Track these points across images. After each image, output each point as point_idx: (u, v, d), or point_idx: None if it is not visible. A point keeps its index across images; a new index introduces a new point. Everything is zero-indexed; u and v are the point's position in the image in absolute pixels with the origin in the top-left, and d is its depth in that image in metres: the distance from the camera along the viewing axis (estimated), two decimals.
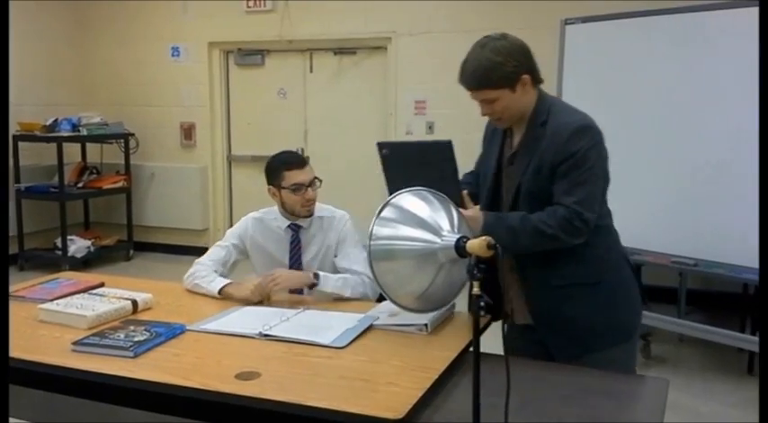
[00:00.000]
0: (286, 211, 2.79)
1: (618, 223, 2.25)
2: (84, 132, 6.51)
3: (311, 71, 6.68)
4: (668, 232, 3.82)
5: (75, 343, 2.06)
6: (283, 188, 2.73)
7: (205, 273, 2.71)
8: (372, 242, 1.91)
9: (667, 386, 1.89)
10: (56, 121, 6.40)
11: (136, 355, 1.99)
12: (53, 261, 6.31)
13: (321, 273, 2.61)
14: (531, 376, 2.00)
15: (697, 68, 3.72)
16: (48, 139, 6.27)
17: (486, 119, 2.23)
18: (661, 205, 3.86)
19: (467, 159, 6.17)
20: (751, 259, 3.45)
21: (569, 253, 2.09)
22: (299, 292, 2.66)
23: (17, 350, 1.98)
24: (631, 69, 3.94)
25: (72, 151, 6.80)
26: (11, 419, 2.11)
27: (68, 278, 2.85)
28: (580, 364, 2.08)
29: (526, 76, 2.08)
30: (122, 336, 2.09)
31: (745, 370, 4.13)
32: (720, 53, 3.63)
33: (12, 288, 2.61)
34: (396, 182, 2.09)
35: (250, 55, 6.85)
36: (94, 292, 2.55)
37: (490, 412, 1.52)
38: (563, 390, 1.97)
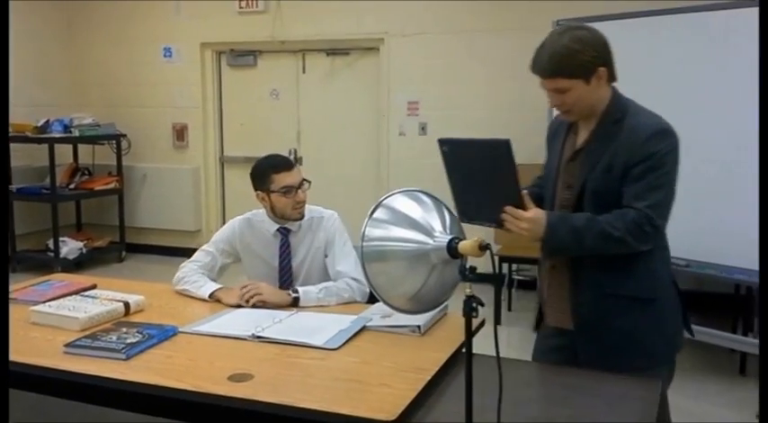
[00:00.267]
0: (276, 215, 2.77)
1: None
2: (75, 133, 6.49)
3: (304, 72, 6.68)
4: None
5: (67, 345, 2.06)
6: (273, 192, 2.71)
7: (195, 277, 2.71)
8: (365, 243, 1.91)
9: (659, 386, 1.89)
10: (47, 122, 6.37)
11: (128, 358, 1.99)
12: (45, 263, 6.29)
13: (301, 289, 2.59)
14: (523, 377, 2.01)
15: (689, 69, 3.74)
16: (39, 141, 6.24)
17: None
18: None
19: None
20: (743, 260, 3.47)
21: (626, 263, 2.02)
22: None
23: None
24: (622, 70, 3.95)
25: (64, 152, 6.77)
26: None
27: (60, 280, 2.84)
28: None
29: (603, 69, 1.98)
30: (114, 338, 2.09)
31: (738, 371, 4.15)
32: (715, 54, 3.65)
33: None
34: (456, 179, 2.03)
35: (242, 56, 6.84)
36: (87, 293, 2.55)
37: (483, 413, 1.52)
38: (556, 390, 1.98)
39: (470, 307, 1.52)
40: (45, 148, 6.22)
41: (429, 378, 1.85)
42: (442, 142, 2.00)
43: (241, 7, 6.58)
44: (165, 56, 6.96)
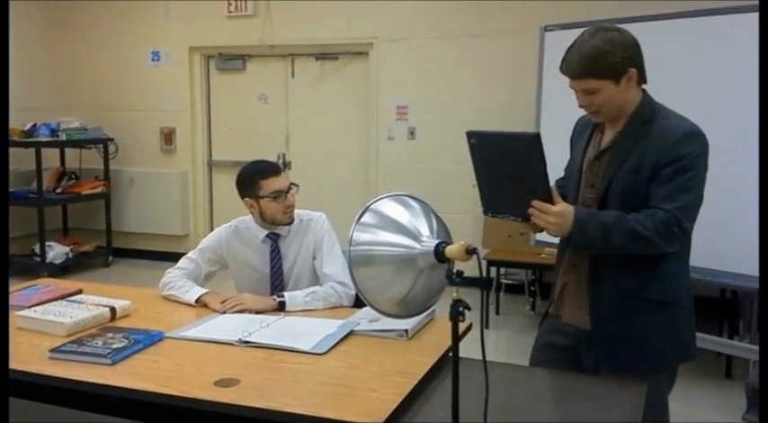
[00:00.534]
0: (266, 221, 2.76)
1: None
2: (62, 137, 6.46)
3: (293, 76, 6.68)
4: None
5: (52, 350, 2.05)
6: (262, 198, 2.70)
7: (181, 282, 2.70)
8: (352, 248, 1.91)
9: (645, 389, 1.90)
10: (34, 125, 6.34)
11: (114, 363, 1.98)
12: (31, 267, 6.24)
13: (287, 293, 2.59)
14: (510, 380, 2.01)
15: (677, 76, 3.76)
16: (26, 144, 6.21)
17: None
18: None
19: (450, 165, 6.16)
20: (728, 264, 3.50)
21: (647, 265, 2.02)
22: None
23: None
24: None
25: (50, 156, 6.73)
26: None
27: (46, 285, 2.82)
28: (617, 377, 2.03)
29: (633, 71, 1.98)
30: (100, 343, 2.08)
31: (723, 374, 4.17)
32: (703, 61, 3.67)
33: None
34: (483, 172, 2.02)
35: (231, 60, 6.83)
36: (72, 299, 2.54)
37: (469, 417, 1.52)
38: (542, 393, 1.99)
39: (457, 311, 1.52)
40: (32, 151, 6.19)
41: (416, 382, 1.85)
42: (470, 135, 1.99)
43: (230, 11, 6.57)
44: (153, 60, 6.94)
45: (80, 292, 2.67)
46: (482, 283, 1.79)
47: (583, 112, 2.18)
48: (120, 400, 1.83)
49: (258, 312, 2.50)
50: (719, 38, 3.64)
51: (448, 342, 1.55)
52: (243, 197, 2.76)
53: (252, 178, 2.73)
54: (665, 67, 3.73)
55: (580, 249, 2.09)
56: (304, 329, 2.26)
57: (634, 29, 2.06)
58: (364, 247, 1.90)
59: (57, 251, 6.47)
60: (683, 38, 3.72)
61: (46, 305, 2.44)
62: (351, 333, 2.24)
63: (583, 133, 2.23)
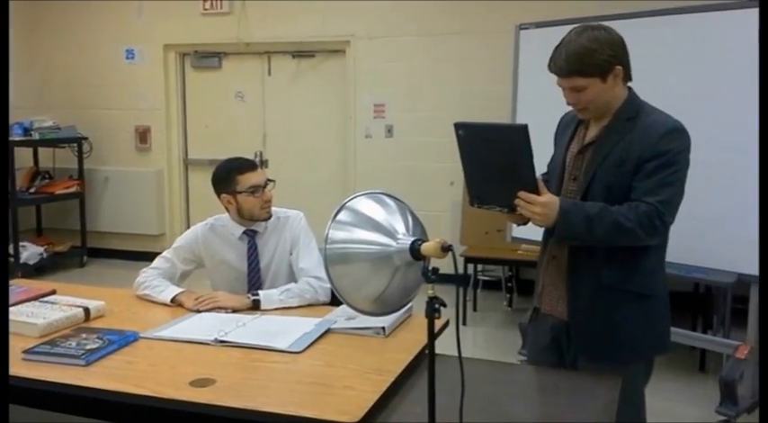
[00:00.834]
0: (244, 217, 2.75)
1: None
2: (35, 136, 6.38)
3: (269, 74, 6.65)
4: None
5: (25, 351, 2.03)
6: (239, 193, 2.70)
7: (156, 282, 2.68)
8: (328, 246, 1.91)
9: (620, 384, 1.92)
10: None
11: (88, 364, 1.96)
12: None
13: (262, 292, 2.59)
14: (486, 376, 2.02)
15: (655, 76, 3.80)
16: None
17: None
18: None
19: (427, 162, 6.18)
20: (701, 259, 3.54)
21: (626, 257, 2.05)
22: None
23: None
24: None
25: (24, 156, 6.65)
26: None
27: (20, 285, 2.78)
28: (594, 367, 2.08)
29: (619, 68, 2.02)
30: (74, 344, 2.06)
31: (697, 368, 4.23)
32: (677, 61, 3.71)
33: None
34: (470, 163, 2.04)
35: (207, 57, 6.79)
36: (45, 299, 2.51)
37: (446, 413, 1.53)
38: (517, 388, 2.00)
39: (433, 308, 1.52)
40: None
41: (393, 379, 1.86)
42: (458, 126, 2.01)
43: (205, 8, 6.52)
44: (127, 57, 6.87)
45: (54, 292, 2.64)
46: (458, 280, 1.79)
47: (562, 109, 2.21)
48: (95, 401, 1.81)
49: (234, 311, 2.49)
50: (693, 35, 3.68)
51: (425, 339, 1.55)
52: (219, 194, 2.75)
53: (228, 174, 2.72)
54: (640, 63, 3.78)
55: (564, 240, 2.12)
56: (281, 328, 2.26)
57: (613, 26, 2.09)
58: (340, 245, 1.90)
59: (31, 251, 6.39)
60: (658, 37, 3.76)
61: (19, 306, 2.41)
62: (328, 331, 2.23)
63: (567, 129, 2.26)
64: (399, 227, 1.91)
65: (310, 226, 2.84)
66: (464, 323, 5.06)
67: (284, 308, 2.54)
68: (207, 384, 1.82)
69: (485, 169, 2.03)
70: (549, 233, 2.19)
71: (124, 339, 2.13)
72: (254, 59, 6.67)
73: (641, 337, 2.11)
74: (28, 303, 2.45)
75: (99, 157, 6.92)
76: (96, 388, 1.82)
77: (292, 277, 2.75)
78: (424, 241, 1.80)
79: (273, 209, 2.79)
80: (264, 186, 2.72)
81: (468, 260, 5.18)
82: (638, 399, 2.17)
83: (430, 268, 1.62)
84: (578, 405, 1.82)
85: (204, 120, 6.91)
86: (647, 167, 1.99)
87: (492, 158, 2.00)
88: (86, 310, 2.38)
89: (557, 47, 2.05)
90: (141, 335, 2.20)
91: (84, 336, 2.14)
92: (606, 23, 2.10)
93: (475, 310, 5.48)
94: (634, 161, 2.01)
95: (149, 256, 3.07)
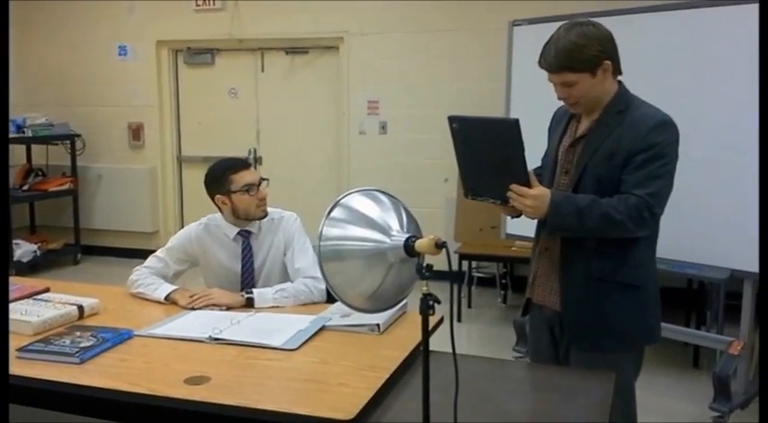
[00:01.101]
0: (239, 216, 2.74)
1: None
2: (29, 134, 6.35)
3: (263, 71, 6.63)
4: None
5: (19, 349, 2.02)
6: (234, 192, 2.69)
7: (149, 280, 2.67)
8: (322, 243, 1.91)
9: (613, 380, 1.93)
10: None
11: (82, 362, 1.96)
12: None
13: (256, 290, 2.58)
14: (480, 373, 2.03)
15: (646, 72, 3.81)
16: None
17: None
18: None
19: (421, 159, 6.17)
20: (694, 255, 3.55)
21: (616, 249, 2.09)
22: None
23: None
24: None
25: (17, 153, 6.63)
26: None
27: (13, 283, 2.77)
28: (585, 358, 2.13)
29: (608, 63, 2.05)
30: (68, 342, 2.06)
31: (691, 364, 4.25)
32: (674, 59, 3.71)
33: None
34: (464, 156, 2.07)
35: (200, 54, 6.77)
36: (39, 297, 2.50)
37: (440, 410, 1.53)
38: (512, 385, 2.01)
39: (427, 305, 1.53)
40: None
41: (387, 376, 1.86)
42: (452, 119, 2.04)
43: (198, 5, 6.50)
44: (120, 54, 6.85)
45: (47, 290, 2.63)
46: (452, 277, 1.77)
47: (555, 105, 2.23)
48: (89, 399, 1.81)
49: (228, 308, 2.49)
50: (688, 32, 3.69)
51: (419, 336, 1.55)
52: (213, 195, 2.74)
53: (222, 173, 2.72)
54: (632, 60, 3.79)
55: (555, 231, 2.14)
56: (275, 326, 2.26)
57: (605, 23, 2.10)
58: (334, 242, 1.90)
59: (24, 249, 6.37)
60: (651, 34, 3.76)
61: (13, 304, 2.40)
62: (323, 328, 2.24)
63: (560, 123, 2.29)
64: (393, 224, 1.91)
65: (304, 223, 2.84)
66: (458, 320, 5.07)
67: (278, 306, 2.54)
68: (201, 382, 1.82)
69: (478, 162, 2.06)
70: (542, 225, 2.23)
71: (118, 337, 2.12)
72: (248, 56, 6.65)
73: (631, 327, 2.15)
74: (22, 301, 2.44)
75: (92, 154, 6.90)
76: (90, 386, 1.82)
77: (285, 278, 2.74)
78: (418, 238, 1.80)
79: (269, 209, 2.79)
80: (258, 185, 2.72)
81: (462, 257, 5.18)
82: (628, 391, 2.19)
83: (424, 265, 1.62)
84: (573, 402, 1.83)
85: (197, 116, 6.89)
86: (637, 160, 2.02)
87: (485, 151, 2.03)
88: (80, 308, 2.38)
89: (546, 43, 2.08)
90: (135, 333, 2.20)
91: (78, 334, 2.13)
92: (600, 20, 2.11)
93: (469, 306, 5.49)
94: (624, 154, 2.04)
95: (143, 254, 3.07)
